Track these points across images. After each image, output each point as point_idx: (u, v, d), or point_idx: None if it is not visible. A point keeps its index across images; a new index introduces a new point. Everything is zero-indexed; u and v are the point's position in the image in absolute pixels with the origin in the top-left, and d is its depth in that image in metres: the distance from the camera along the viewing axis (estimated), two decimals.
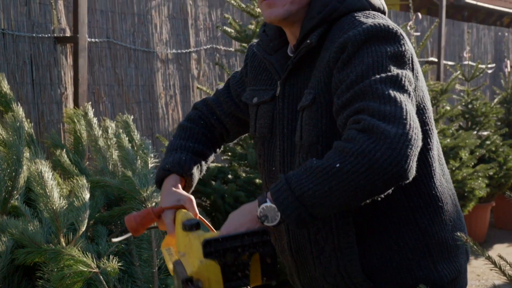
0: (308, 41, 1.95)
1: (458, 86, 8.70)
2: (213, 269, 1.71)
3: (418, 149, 1.69)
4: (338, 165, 1.67)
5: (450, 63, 9.93)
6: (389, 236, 1.96)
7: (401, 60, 1.86)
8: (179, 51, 6.42)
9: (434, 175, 2.02)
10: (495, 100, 9.12)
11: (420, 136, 1.70)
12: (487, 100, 9.07)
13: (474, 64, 9.63)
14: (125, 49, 5.94)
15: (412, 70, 1.91)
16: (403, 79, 1.80)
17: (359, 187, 1.66)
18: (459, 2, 14.23)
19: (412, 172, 1.69)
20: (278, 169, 2.08)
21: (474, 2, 14.85)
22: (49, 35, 5.26)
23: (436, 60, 9.20)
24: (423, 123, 1.97)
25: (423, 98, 2.01)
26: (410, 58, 1.90)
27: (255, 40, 2.37)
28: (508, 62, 9.38)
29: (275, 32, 2.14)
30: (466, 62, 9.67)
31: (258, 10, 5.45)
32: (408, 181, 1.71)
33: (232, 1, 5.62)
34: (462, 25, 11.01)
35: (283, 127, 2.05)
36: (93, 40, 5.62)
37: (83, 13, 5.29)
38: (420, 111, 1.97)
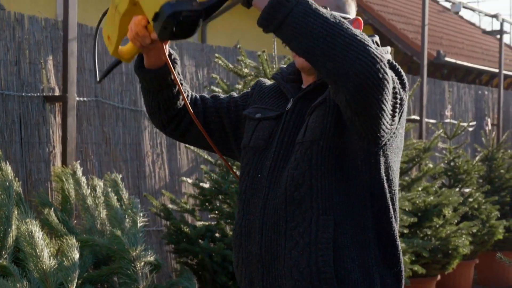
0: (323, 97, 2.15)
1: (440, 144, 8.81)
2: None
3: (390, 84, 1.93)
4: (347, 27, 1.87)
5: (431, 121, 10.07)
6: (361, 246, 2.11)
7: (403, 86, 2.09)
8: None
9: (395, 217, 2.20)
10: (477, 158, 9.24)
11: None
12: (469, 158, 9.19)
13: (455, 122, 9.77)
14: (113, 107, 5.99)
15: (402, 108, 2.11)
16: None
17: (341, 44, 1.84)
18: (439, 60, 14.50)
19: (381, 78, 1.88)
20: (264, 176, 2.18)
21: (454, 61, 15.13)
22: (38, 94, 5.31)
23: (418, 118, 9.33)
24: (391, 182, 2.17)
25: (397, 153, 2.19)
26: (404, 100, 2.10)
27: (262, 79, 2.53)
28: (489, 120, 9.54)
29: (294, 72, 2.33)
30: (447, 120, 9.82)
31: (246, 70, 5.53)
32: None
33: (220, 61, 5.71)
34: (443, 83, 11.20)
35: (284, 137, 2.18)
36: (81, 99, 5.68)
37: (73, 72, 5.35)
38: (388, 171, 2.16)
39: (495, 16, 11.50)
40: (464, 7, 9.93)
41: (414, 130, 9.43)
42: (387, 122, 2.04)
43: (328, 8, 2.10)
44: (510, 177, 9.40)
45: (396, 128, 2.12)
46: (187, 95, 2.41)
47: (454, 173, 8.63)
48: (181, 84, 2.32)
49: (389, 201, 2.16)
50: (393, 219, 2.17)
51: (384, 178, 2.14)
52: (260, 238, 2.15)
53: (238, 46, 5.76)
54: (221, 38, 12.82)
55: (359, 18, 2.27)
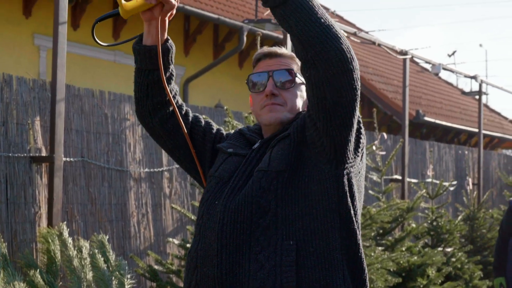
0: (287, 132, 2.34)
1: (422, 204, 8.87)
2: None
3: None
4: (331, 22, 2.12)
5: (413, 180, 10.14)
6: (328, 266, 2.21)
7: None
8: (151, 170, 6.50)
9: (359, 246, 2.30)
10: (459, 218, 9.30)
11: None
12: (451, 218, 9.24)
13: (437, 181, 9.85)
14: (99, 168, 6.00)
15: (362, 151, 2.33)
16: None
17: (326, 32, 2.08)
18: (418, 120, 14.68)
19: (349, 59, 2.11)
20: (220, 202, 2.30)
21: (433, 120, 15.32)
22: (25, 154, 5.31)
23: (400, 178, 9.40)
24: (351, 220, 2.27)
25: (360, 192, 2.34)
26: (364, 143, 2.33)
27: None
28: (470, 180, 9.62)
29: (257, 129, 2.55)
30: (429, 180, 9.88)
31: (232, 131, 5.57)
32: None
33: None
34: (424, 143, 11.32)
35: (245, 169, 2.33)
36: (68, 159, 5.68)
37: (60, 133, 5.37)
38: (351, 215, 2.27)
39: (474, 77, 11.70)
40: (444, 68, 10.10)
41: (397, 190, 9.49)
42: (351, 147, 2.24)
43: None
44: (492, 236, 9.45)
45: (358, 162, 2.31)
46: (180, 105, 2.54)
47: (437, 232, 8.67)
48: (172, 73, 2.47)
49: (355, 223, 2.29)
50: (359, 241, 2.30)
51: (350, 200, 2.27)
52: (219, 261, 2.22)
53: (225, 107, 5.81)
54: (202, 97, 12.93)
55: None
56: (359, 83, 2.17)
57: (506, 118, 22.00)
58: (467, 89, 17.47)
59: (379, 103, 14.99)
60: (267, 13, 8.62)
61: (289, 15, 2.10)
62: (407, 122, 9.53)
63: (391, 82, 16.26)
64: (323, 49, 2.08)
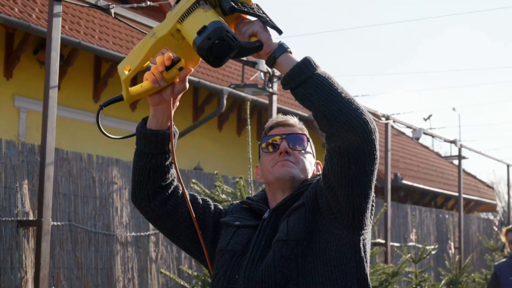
0: (301, 201, 2.34)
1: (406, 268, 8.86)
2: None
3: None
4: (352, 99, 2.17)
5: (396, 244, 10.15)
6: None
7: None
8: (138, 233, 6.45)
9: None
10: (442, 282, 9.30)
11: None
12: (434, 282, 9.23)
13: (419, 245, 9.86)
14: (86, 232, 5.94)
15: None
16: None
17: (347, 108, 2.13)
18: (396, 183, 14.77)
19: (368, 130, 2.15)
20: (241, 276, 2.30)
21: (411, 183, 15.43)
22: (12, 218, 5.25)
23: (383, 241, 9.40)
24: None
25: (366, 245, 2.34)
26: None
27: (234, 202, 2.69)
28: (452, 244, 9.65)
29: (261, 198, 2.54)
30: (411, 244, 9.90)
31: (223, 196, 5.57)
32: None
33: (196, 186, 5.74)
34: (405, 207, 11.36)
35: (261, 241, 2.33)
36: (55, 223, 5.62)
37: (48, 197, 5.33)
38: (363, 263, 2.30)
39: (453, 142, 11.85)
40: (424, 133, 10.24)
41: (380, 254, 9.48)
42: (368, 213, 2.27)
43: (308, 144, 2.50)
44: None
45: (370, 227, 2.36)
46: (177, 185, 2.49)
47: None
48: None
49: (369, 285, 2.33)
50: None
51: (365, 264, 2.31)
52: None
53: (216, 172, 5.82)
54: (181, 159, 12.91)
55: (320, 162, 2.57)
56: (379, 152, 2.23)
57: (482, 182, 22.20)
58: (442, 153, 17.67)
59: None
60: (253, 77, 8.70)
61: (311, 92, 2.16)
62: (389, 186, 9.59)
63: None
64: (348, 121, 2.13)
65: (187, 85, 2.31)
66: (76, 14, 10.75)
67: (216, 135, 14.10)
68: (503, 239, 6.67)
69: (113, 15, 5.94)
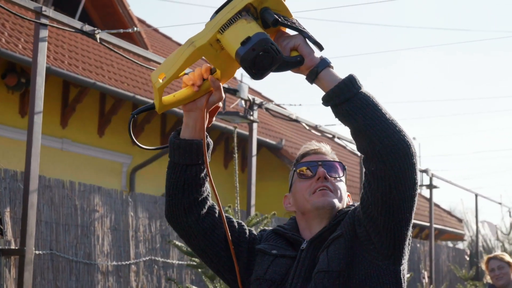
0: (339, 231, 2.30)
1: None
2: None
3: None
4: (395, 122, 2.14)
5: None
6: None
7: None
8: (119, 263, 6.33)
9: None
10: None
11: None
12: None
13: None
14: (67, 261, 5.81)
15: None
16: None
17: (390, 131, 2.10)
18: None
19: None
20: None
21: None
22: None
23: None
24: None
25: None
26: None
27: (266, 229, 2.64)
28: (426, 273, 9.68)
29: (293, 228, 2.48)
30: None
31: None
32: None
33: None
34: None
35: (300, 272, 2.29)
36: (37, 252, 5.49)
37: (32, 225, 5.20)
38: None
39: (425, 171, 11.92)
40: None
41: None
42: (408, 242, 2.23)
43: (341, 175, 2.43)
44: None
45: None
46: (212, 204, 2.42)
47: None
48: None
49: None
50: None
51: None
52: None
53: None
54: (149, 186, 12.84)
55: (349, 194, 2.52)
56: (418, 178, 2.19)
57: (445, 211, 22.41)
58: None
59: None
60: (233, 105, 8.66)
61: (355, 111, 2.12)
62: None
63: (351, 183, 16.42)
64: (392, 143, 2.10)
65: (223, 94, 2.26)
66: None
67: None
68: (484, 267, 6.69)
69: (98, 40, 5.87)
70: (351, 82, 2.13)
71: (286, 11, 2.14)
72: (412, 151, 2.12)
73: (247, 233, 2.49)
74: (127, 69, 12.94)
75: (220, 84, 2.22)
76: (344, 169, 2.46)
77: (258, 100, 7.47)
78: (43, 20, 5.50)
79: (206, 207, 2.40)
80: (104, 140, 12.42)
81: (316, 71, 2.15)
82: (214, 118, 2.35)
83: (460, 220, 21.60)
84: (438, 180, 12.67)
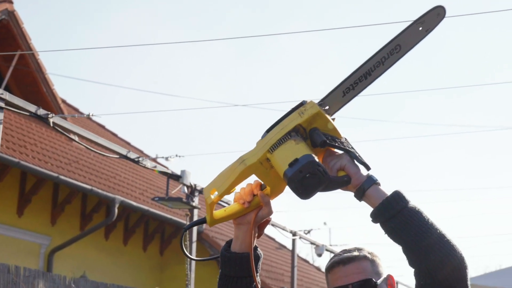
0: None
1: None
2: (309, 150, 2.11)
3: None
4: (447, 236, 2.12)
5: None
6: None
7: None
8: None
9: None
10: None
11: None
12: None
13: None
14: None
15: None
16: None
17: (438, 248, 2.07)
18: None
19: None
20: None
21: None
22: None
23: None
24: None
25: None
26: None
27: None
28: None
29: None
30: None
31: None
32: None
33: None
34: None
35: None
36: None
37: None
38: None
39: None
40: (326, 249, 10.46)
41: None
42: None
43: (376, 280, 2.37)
44: None
45: None
46: None
47: None
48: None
49: None
50: None
51: None
52: None
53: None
54: (68, 267, 12.59)
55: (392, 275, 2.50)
56: None
57: None
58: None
59: None
60: (174, 191, 8.65)
61: (400, 227, 2.12)
62: None
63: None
64: (438, 258, 2.08)
65: (273, 209, 2.27)
66: None
67: (103, 244, 13.91)
68: None
69: (51, 124, 5.86)
70: (395, 199, 2.14)
71: (334, 131, 2.20)
72: (464, 265, 2.10)
73: None
74: (50, 149, 12.79)
75: (270, 200, 2.25)
76: (375, 284, 2.36)
77: (200, 185, 7.54)
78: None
79: None
80: (22, 220, 12.14)
81: (363, 189, 2.17)
82: (264, 231, 2.36)
83: None
84: None
